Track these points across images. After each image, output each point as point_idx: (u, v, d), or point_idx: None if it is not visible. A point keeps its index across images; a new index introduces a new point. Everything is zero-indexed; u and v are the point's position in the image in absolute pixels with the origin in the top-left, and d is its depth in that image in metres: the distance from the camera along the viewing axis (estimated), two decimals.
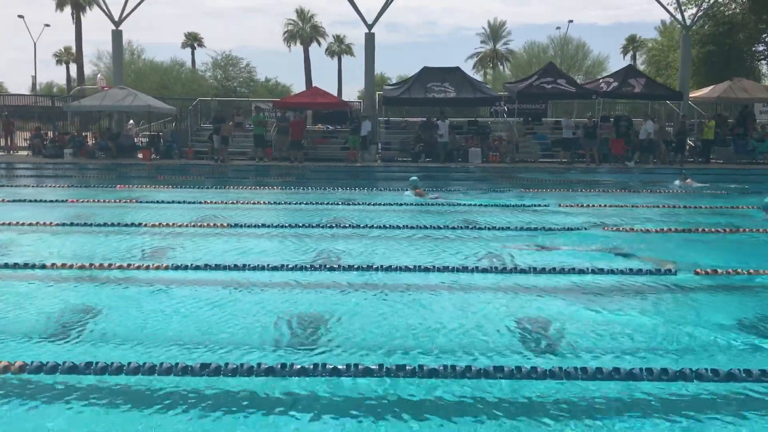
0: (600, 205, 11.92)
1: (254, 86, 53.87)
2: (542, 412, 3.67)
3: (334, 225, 9.69)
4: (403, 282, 6.40)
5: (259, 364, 4.09)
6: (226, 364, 4.08)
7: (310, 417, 3.64)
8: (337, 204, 12.14)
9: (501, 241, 8.48)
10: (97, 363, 4.08)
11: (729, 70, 30.60)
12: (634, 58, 61.90)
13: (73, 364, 4.07)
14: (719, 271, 6.67)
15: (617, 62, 72.03)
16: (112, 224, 9.46)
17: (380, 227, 9.47)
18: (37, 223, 9.38)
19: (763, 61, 36.93)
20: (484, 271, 6.76)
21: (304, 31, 61.80)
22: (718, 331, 5.03)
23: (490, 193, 14.53)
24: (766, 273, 6.65)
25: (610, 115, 26.40)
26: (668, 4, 28.00)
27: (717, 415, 3.68)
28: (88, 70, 54.10)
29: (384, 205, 11.95)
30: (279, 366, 4.06)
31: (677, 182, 16.12)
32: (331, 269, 6.78)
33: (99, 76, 33.71)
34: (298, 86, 61.03)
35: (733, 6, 33.29)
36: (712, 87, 26.92)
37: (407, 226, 9.64)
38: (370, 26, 25.75)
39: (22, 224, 9.30)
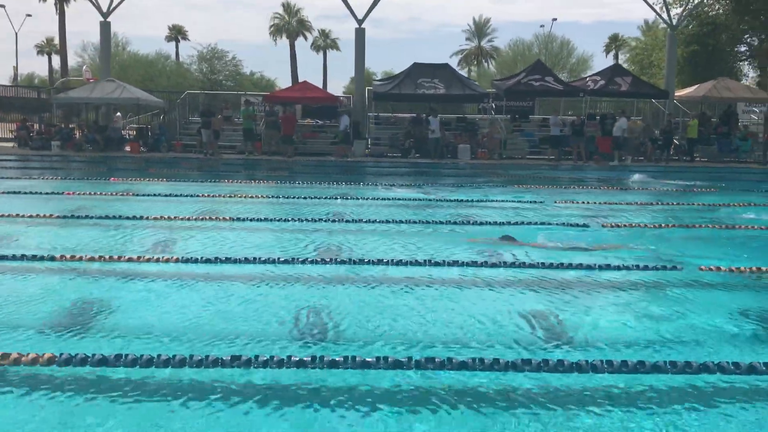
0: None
1: (240, 80, 53.58)
2: (572, 405, 3.76)
3: (336, 220, 9.74)
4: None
5: (289, 357, 4.15)
6: (257, 357, 4.13)
7: (346, 410, 3.70)
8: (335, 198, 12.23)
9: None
10: (127, 355, 4.10)
11: (712, 70, 31.07)
12: (616, 56, 62.48)
13: (103, 357, 4.09)
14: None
15: (600, 60, 72.57)
16: (120, 217, 9.43)
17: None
18: (38, 215, 9.35)
19: (745, 62, 37.50)
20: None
21: (290, 25, 61.65)
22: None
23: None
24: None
25: (596, 113, 26.69)
26: (654, 3, 28.36)
27: (740, 407, 3.80)
28: (71, 61, 53.56)
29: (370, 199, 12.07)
30: (309, 359, 4.12)
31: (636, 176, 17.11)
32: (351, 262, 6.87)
33: (85, 67, 33.48)
34: (283, 80, 61.02)
35: (717, 7, 33.75)
36: (697, 86, 27.34)
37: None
38: (360, 21, 25.75)
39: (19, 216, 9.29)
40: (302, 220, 9.53)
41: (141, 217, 9.35)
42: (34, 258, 6.80)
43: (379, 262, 6.89)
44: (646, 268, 6.85)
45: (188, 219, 9.58)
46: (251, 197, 12.27)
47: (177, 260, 6.90)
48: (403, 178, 16.87)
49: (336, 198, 12.39)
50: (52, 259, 6.85)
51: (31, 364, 4.06)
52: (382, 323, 5.15)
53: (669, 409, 3.70)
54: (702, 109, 27.15)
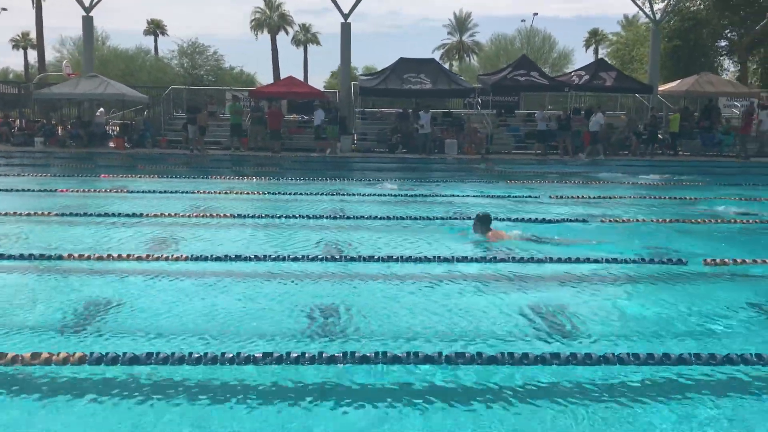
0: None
1: (221, 75, 53.10)
2: (601, 396, 3.84)
3: (337, 216, 9.76)
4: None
5: (304, 353, 4.18)
6: (288, 353, 4.14)
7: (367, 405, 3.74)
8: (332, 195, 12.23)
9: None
10: (158, 353, 4.10)
11: (694, 65, 31.46)
12: (596, 51, 62.91)
13: (134, 355, 4.08)
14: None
15: (581, 55, 73.08)
16: (117, 214, 9.36)
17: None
18: (37, 212, 9.25)
19: (726, 56, 38.00)
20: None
21: (271, 19, 61.24)
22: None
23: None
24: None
25: (581, 107, 26.90)
26: None
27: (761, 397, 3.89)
28: (49, 56, 52.66)
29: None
30: (341, 355, 4.15)
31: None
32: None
33: (65, 62, 32.94)
34: (264, 75, 60.68)
35: (698, 2, 34.17)
36: (680, 81, 27.65)
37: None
38: (346, 16, 25.69)
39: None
40: (287, 217, 9.54)
41: (134, 215, 9.30)
42: (22, 257, 6.75)
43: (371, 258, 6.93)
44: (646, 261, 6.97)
45: (182, 216, 9.54)
46: (246, 194, 12.22)
47: (167, 258, 6.86)
48: (393, 173, 16.88)
49: (332, 195, 12.41)
50: (50, 258, 6.79)
51: (62, 363, 4.05)
52: (363, 319, 5.20)
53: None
54: (684, 104, 27.49)
